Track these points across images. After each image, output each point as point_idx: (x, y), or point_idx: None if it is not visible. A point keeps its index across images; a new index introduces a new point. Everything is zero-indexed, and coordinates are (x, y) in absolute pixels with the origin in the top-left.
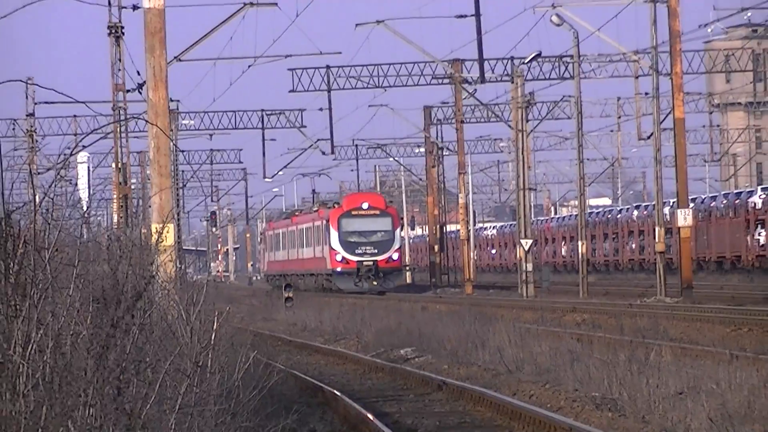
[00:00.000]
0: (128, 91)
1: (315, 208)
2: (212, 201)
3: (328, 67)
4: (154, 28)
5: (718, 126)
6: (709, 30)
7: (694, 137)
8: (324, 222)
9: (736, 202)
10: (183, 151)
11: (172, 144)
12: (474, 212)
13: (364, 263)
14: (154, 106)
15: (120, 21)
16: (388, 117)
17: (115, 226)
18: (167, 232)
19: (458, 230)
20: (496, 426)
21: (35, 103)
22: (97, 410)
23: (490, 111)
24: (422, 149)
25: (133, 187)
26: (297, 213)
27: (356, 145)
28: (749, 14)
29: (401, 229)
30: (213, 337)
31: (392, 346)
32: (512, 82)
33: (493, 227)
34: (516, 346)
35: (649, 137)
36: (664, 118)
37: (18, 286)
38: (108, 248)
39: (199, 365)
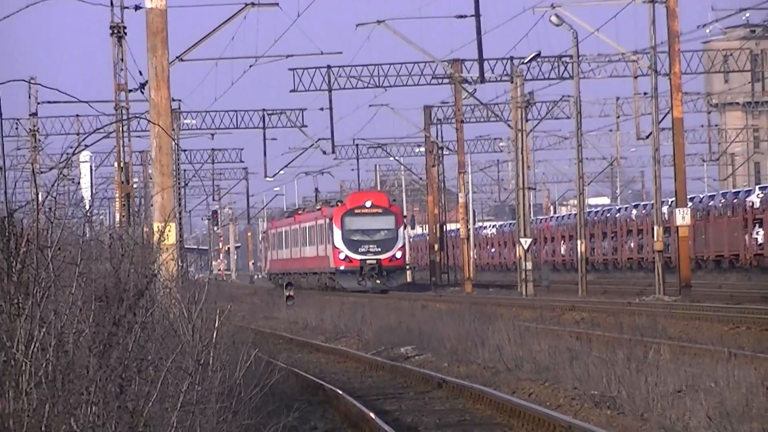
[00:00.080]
0: (130, 90)
1: (318, 207)
2: (214, 200)
3: (328, 66)
4: (156, 28)
5: (716, 126)
6: (708, 30)
7: (692, 137)
8: (327, 220)
9: (734, 201)
10: (185, 151)
11: (173, 143)
12: (474, 211)
13: (368, 262)
14: (156, 106)
15: (122, 21)
16: (389, 117)
17: (118, 225)
18: (169, 230)
19: (458, 229)
20: (495, 423)
21: (38, 103)
22: (99, 408)
23: (489, 111)
24: (422, 149)
25: (135, 186)
26: (300, 211)
27: (357, 145)
28: (747, 15)
29: (404, 228)
30: (214, 336)
31: (392, 345)
32: (512, 82)
33: (493, 226)
34: (515, 344)
35: (647, 137)
36: (663, 118)
37: (21, 284)
38: (110, 247)
39: (200, 363)
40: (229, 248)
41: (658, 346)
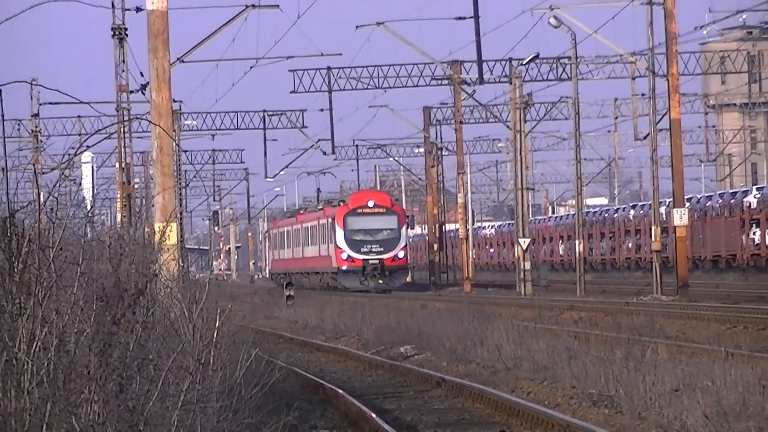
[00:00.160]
0: (132, 92)
1: (320, 207)
2: (214, 200)
3: (328, 68)
4: (157, 30)
5: (713, 127)
6: (705, 32)
7: (690, 138)
8: (329, 220)
9: (732, 201)
10: (186, 151)
11: (174, 144)
12: (473, 211)
13: (370, 261)
14: (157, 107)
15: (123, 23)
16: (388, 117)
17: (119, 225)
18: (170, 231)
19: (457, 229)
20: (494, 422)
21: (40, 104)
22: (100, 407)
23: (488, 112)
24: (422, 149)
25: (136, 186)
26: (302, 211)
27: (357, 146)
28: (744, 16)
29: (407, 228)
30: (215, 335)
31: (392, 344)
32: (510, 84)
33: (492, 226)
34: (514, 343)
35: (645, 138)
36: (661, 119)
37: (22, 284)
38: (109, 246)
39: (201, 362)
40: (229, 248)
41: (656, 345)
